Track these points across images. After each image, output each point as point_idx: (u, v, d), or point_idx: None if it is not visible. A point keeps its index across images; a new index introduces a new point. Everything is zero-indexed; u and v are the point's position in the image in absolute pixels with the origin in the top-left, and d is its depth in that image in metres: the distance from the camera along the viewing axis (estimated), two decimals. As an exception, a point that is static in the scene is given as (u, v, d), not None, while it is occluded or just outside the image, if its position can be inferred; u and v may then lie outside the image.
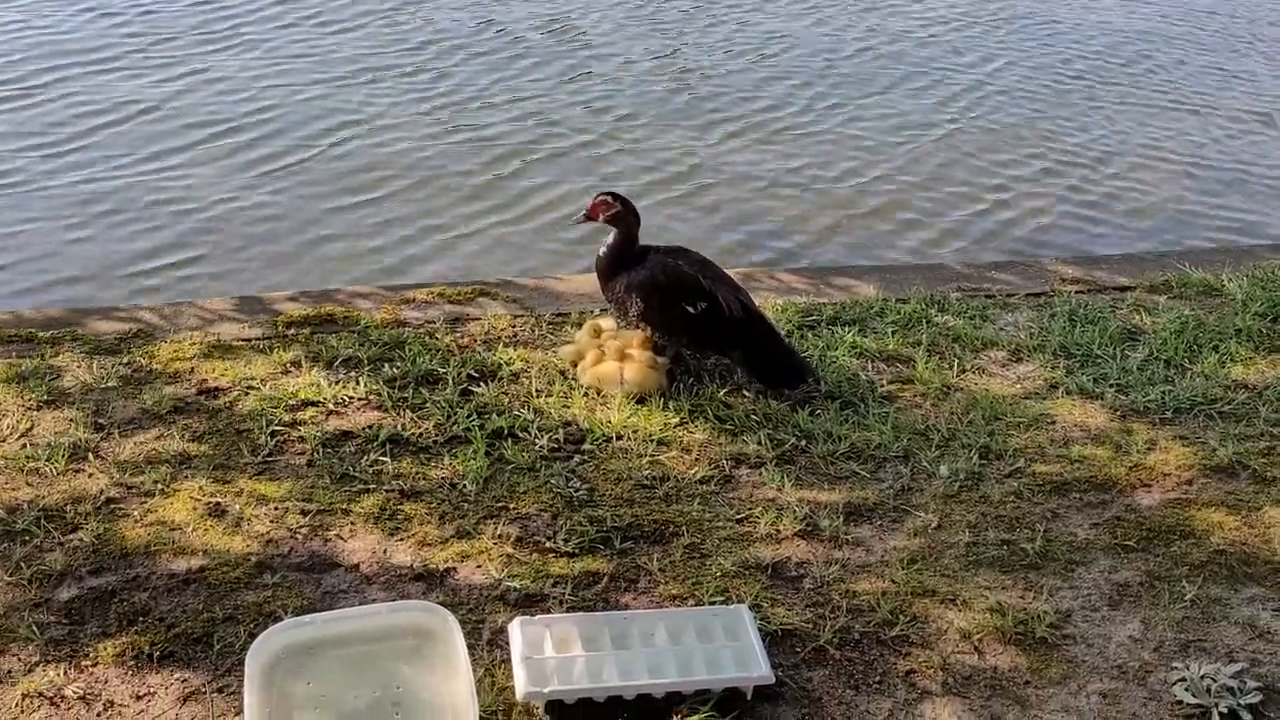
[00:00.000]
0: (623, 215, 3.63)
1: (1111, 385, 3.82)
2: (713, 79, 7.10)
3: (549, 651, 2.55)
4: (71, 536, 2.89)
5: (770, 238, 5.39)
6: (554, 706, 2.46)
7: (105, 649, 2.56)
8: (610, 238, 3.67)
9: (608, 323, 3.89)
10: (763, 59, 7.48)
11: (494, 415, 3.46)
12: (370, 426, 3.38)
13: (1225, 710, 2.54)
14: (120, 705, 2.44)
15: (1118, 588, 2.92)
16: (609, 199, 3.63)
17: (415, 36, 7.47)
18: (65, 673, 2.50)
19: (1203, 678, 2.61)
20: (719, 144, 6.25)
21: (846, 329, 4.07)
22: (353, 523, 2.99)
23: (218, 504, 3.03)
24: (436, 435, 3.36)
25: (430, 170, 5.77)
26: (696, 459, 3.33)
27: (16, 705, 2.42)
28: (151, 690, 2.48)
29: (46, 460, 3.15)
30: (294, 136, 6.03)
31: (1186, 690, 2.59)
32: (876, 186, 5.92)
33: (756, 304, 3.79)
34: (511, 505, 3.08)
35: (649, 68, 7.21)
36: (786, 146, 6.27)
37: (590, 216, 3.66)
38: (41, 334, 3.83)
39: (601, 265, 3.70)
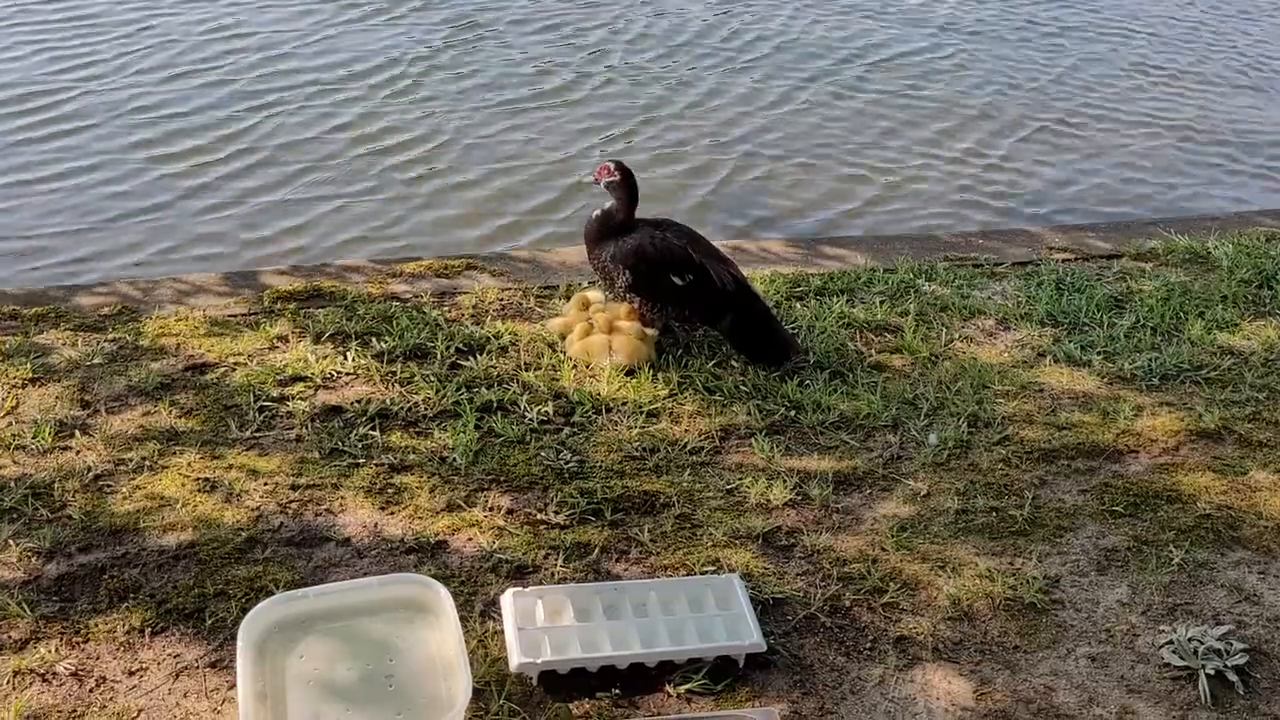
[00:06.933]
0: (619, 185, 3.64)
1: (1099, 352, 3.84)
2: (720, 53, 7.07)
3: (542, 622, 2.56)
4: (60, 513, 2.88)
5: (762, 207, 5.38)
6: (547, 677, 2.47)
7: (97, 625, 2.56)
8: (605, 205, 3.68)
9: (596, 295, 3.88)
10: (771, 35, 7.45)
11: (483, 388, 3.45)
12: (360, 401, 3.37)
13: (1212, 672, 2.57)
14: (113, 681, 2.44)
15: (1105, 553, 2.94)
16: (611, 166, 3.65)
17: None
18: (57, 649, 2.50)
19: (1190, 640, 2.63)
20: (718, 116, 6.23)
21: (835, 299, 4.07)
22: (343, 497, 2.99)
23: (207, 479, 3.02)
24: (426, 409, 3.35)
25: (414, 145, 5.73)
26: (686, 430, 3.34)
27: (8, 682, 2.41)
28: (144, 666, 2.48)
29: (33, 437, 3.14)
30: (290, 105, 5.99)
31: (1174, 653, 2.62)
32: (866, 156, 5.90)
33: (746, 277, 3.78)
34: (502, 477, 3.08)
35: (648, 42, 7.16)
36: (780, 119, 6.25)
37: (596, 179, 3.70)
38: (25, 311, 3.80)
39: (590, 231, 3.70)
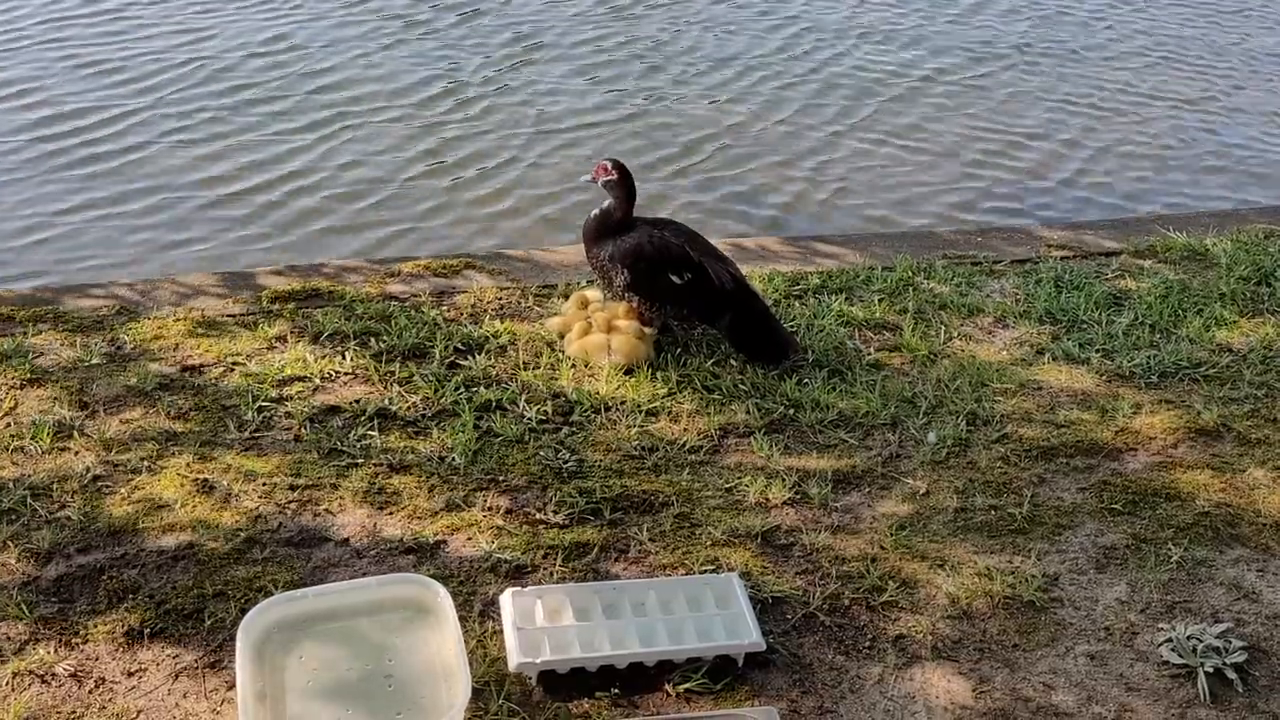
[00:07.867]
0: (617, 183, 3.64)
1: (1097, 350, 3.84)
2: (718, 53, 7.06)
3: (541, 622, 2.56)
4: (59, 514, 2.88)
5: (759, 205, 5.38)
6: (546, 677, 2.47)
7: (96, 626, 2.56)
8: (603, 204, 3.69)
9: (594, 294, 3.88)
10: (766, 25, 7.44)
11: (482, 388, 3.45)
12: (358, 401, 3.37)
13: (1211, 670, 2.57)
14: (112, 682, 2.44)
15: (1104, 551, 2.94)
16: (608, 165, 3.65)
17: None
18: (56, 650, 2.50)
19: (1189, 638, 2.63)
20: (715, 113, 6.23)
21: (833, 297, 4.07)
22: (342, 497, 2.99)
23: (205, 480, 3.02)
24: (424, 409, 3.35)
25: (411, 144, 5.72)
26: (685, 429, 3.34)
27: (7, 684, 2.41)
28: (143, 667, 2.48)
29: (31, 439, 3.13)
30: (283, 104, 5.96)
31: (1173, 651, 2.62)
32: (864, 152, 5.90)
33: (745, 275, 3.78)
34: (501, 477, 3.08)
35: (647, 37, 7.16)
36: (777, 112, 6.25)
37: (594, 178, 3.69)
38: (21, 312, 3.80)
39: (589, 229, 3.70)
